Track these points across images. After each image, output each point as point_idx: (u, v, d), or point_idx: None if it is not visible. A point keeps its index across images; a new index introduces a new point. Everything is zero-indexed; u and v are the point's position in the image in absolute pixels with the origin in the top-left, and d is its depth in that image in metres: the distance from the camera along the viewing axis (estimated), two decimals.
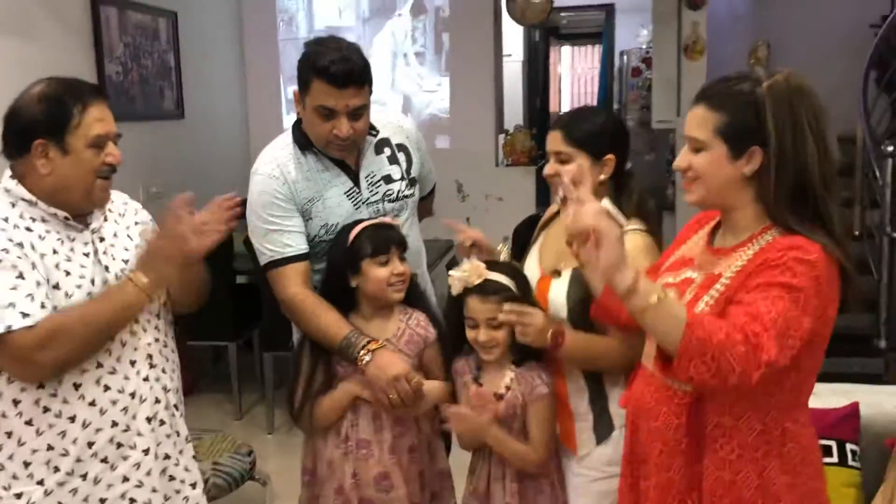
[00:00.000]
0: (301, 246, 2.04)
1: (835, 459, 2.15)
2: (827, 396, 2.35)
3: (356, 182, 2.10)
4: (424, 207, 2.41)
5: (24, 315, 1.53)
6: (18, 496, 1.60)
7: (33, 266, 1.58)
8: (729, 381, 1.34)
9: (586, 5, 8.02)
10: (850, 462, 2.16)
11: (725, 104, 1.44)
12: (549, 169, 1.89)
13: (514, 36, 6.99)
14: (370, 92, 2.01)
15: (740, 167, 1.44)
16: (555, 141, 1.86)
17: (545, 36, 8.77)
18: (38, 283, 1.56)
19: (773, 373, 1.36)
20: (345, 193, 2.08)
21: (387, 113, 2.35)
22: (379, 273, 1.93)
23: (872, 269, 4.03)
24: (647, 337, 1.61)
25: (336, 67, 1.91)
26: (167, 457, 1.77)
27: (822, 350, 1.50)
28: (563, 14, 8.50)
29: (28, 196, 1.63)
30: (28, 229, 1.62)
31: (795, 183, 1.41)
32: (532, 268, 1.96)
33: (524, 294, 1.86)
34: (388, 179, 2.14)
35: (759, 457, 1.48)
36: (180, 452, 1.80)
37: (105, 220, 1.75)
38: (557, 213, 1.94)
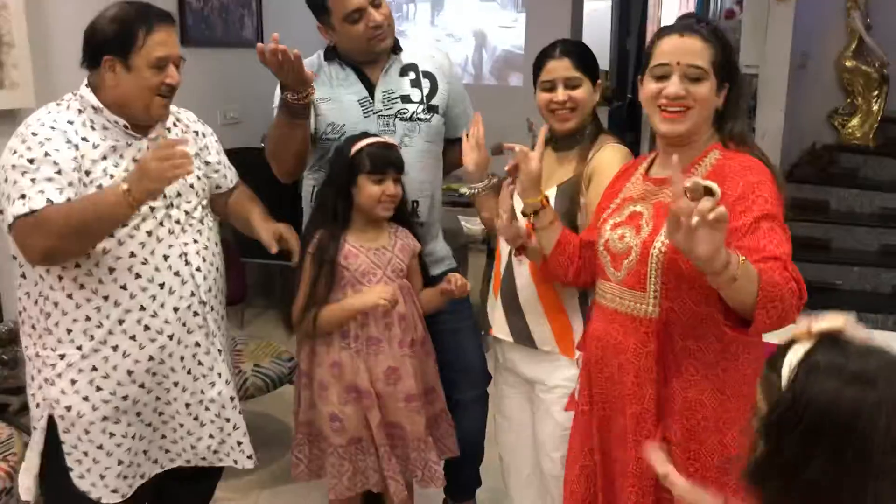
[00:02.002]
0: None
1: None
2: None
3: (371, 93, 2.23)
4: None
5: (29, 206, 1.72)
6: (62, 356, 1.86)
7: (59, 170, 1.76)
8: (788, 320, 1.39)
9: None
10: None
11: (714, 40, 1.56)
12: (561, 95, 1.97)
13: None
14: None
15: (717, 100, 1.57)
16: (565, 68, 1.97)
17: None
18: (50, 180, 1.75)
19: None
20: (357, 101, 2.23)
21: (426, 45, 2.45)
22: (372, 189, 2.07)
23: None
24: (600, 276, 1.70)
25: None
26: (197, 344, 1.97)
27: None
28: None
29: (96, 103, 1.85)
30: (84, 138, 1.82)
31: (738, 109, 1.60)
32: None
33: None
34: (405, 99, 2.24)
35: (719, 373, 1.56)
36: (211, 344, 2.00)
37: (168, 131, 1.94)
38: (549, 140, 2.00)
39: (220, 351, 2.03)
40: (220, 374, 2.03)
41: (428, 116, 2.27)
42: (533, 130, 5.16)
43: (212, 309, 2.00)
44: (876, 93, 5.06)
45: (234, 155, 2.29)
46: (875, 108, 5.10)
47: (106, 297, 1.84)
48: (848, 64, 5.05)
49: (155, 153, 1.70)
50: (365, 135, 2.14)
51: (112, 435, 1.89)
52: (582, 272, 1.82)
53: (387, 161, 2.09)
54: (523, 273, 2.01)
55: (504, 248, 2.06)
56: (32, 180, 1.74)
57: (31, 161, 1.75)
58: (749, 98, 6.04)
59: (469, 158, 2.10)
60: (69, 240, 1.75)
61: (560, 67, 1.97)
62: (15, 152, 1.77)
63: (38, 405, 1.91)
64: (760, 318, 1.37)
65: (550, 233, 1.81)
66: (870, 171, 5.01)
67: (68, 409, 1.87)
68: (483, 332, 2.26)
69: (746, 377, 1.56)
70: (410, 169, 2.20)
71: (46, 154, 1.76)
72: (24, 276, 1.88)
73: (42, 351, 1.88)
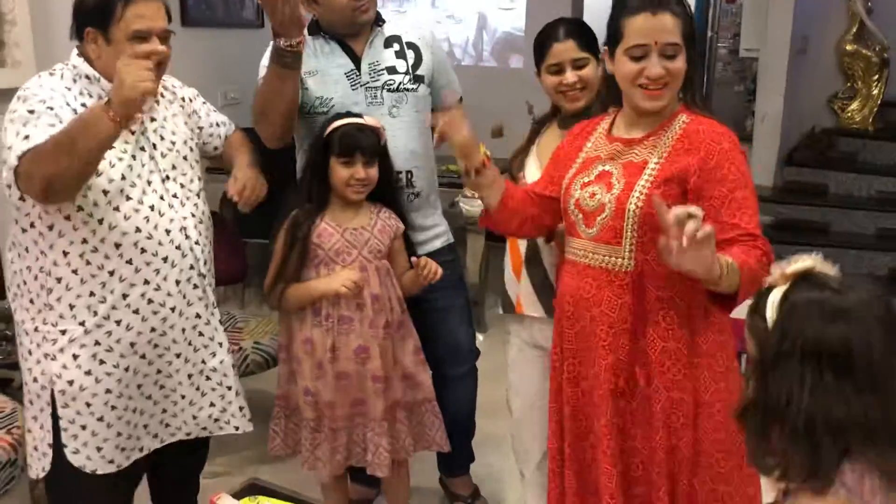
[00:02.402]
0: None
1: None
2: None
3: (357, 66, 2.24)
4: None
5: (32, 142, 1.71)
6: (63, 332, 1.87)
7: (61, 120, 1.76)
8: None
9: None
10: None
11: (681, 13, 1.61)
12: (571, 76, 2.00)
13: None
14: None
15: (685, 68, 1.64)
16: (571, 49, 1.99)
17: None
18: (52, 125, 1.74)
19: None
20: (344, 73, 2.24)
21: (405, 17, 2.45)
22: (341, 172, 2.09)
23: None
24: (570, 233, 1.76)
25: None
26: (198, 316, 2.00)
27: None
28: None
29: (92, 72, 1.84)
30: (83, 105, 1.82)
31: (695, 72, 1.67)
32: (532, 168, 2.08)
33: None
34: (391, 70, 2.25)
35: (692, 323, 1.66)
36: (211, 315, 2.04)
37: (157, 104, 1.94)
38: (555, 115, 2.06)
39: (220, 321, 2.07)
40: (220, 344, 2.06)
41: (415, 86, 2.28)
42: (533, 113, 5.14)
43: (210, 282, 2.04)
44: (876, 77, 5.07)
45: None
46: (875, 92, 5.11)
47: (112, 272, 1.85)
48: (848, 48, 5.06)
49: (123, 59, 1.69)
50: (348, 114, 2.14)
51: (114, 408, 1.91)
52: (525, 224, 1.89)
53: (355, 144, 2.07)
54: (553, 253, 2.03)
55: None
56: (35, 125, 1.74)
57: (31, 111, 1.76)
58: (749, 81, 6.06)
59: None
60: (61, 162, 1.69)
61: (566, 49, 1.99)
62: (15, 111, 1.77)
63: (35, 379, 1.91)
64: (742, 297, 1.50)
65: (494, 191, 1.83)
66: (868, 155, 5.03)
67: (70, 383, 1.87)
68: (476, 319, 2.26)
69: (719, 326, 1.68)
70: (400, 139, 2.23)
71: (49, 108, 1.77)
72: (27, 249, 1.88)
73: (42, 326, 1.88)
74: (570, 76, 1.99)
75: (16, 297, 1.94)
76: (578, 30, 2.03)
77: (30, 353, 1.92)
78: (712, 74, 6.82)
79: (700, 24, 7.75)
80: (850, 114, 5.17)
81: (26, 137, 1.73)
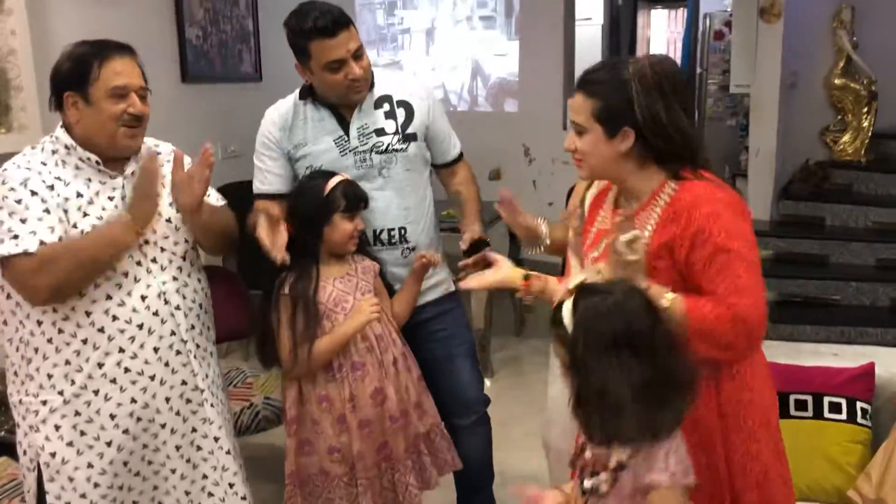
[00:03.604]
0: (271, 187, 2.29)
1: (843, 416, 2.19)
2: (850, 357, 2.39)
3: (346, 131, 2.27)
4: (453, 176, 2.47)
5: (23, 246, 1.74)
6: (44, 403, 1.86)
7: (47, 208, 1.78)
8: (737, 350, 1.55)
9: None
10: (860, 420, 2.20)
11: (599, 91, 1.60)
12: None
13: (594, 0, 6.96)
14: (357, 32, 2.20)
15: (616, 145, 1.60)
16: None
17: None
18: (40, 220, 1.77)
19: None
20: (333, 140, 2.27)
21: (400, 74, 2.49)
22: (346, 226, 2.13)
23: None
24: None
25: (321, 21, 2.11)
26: (184, 383, 1.96)
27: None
28: None
29: (69, 142, 1.86)
30: (58, 178, 1.83)
31: (675, 145, 1.60)
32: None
33: None
34: (380, 132, 2.28)
35: (714, 383, 1.61)
36: (201, 379, 1.98)
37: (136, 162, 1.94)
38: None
39: (208, 387, 2.01)
40: (212, 406, 2.01)
41: (404, 146, 2.30)
42: (530, 155, 5.17)
43: (197, 346, 1.99)
44: (865, 109, 5.13)
45: (235, 188, 2.34)
46: (865, 124, 5.17)
47: (84, 341, 1.83)
48: (837, 82, 5.13)
49: (144, 173, 1.78)
50: (325, 173, 2.19)
51: (97, 485, 1.86)
52: None
53: (360, 198, 2.17)
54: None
55: (575, 263, 2.13)
56: (22, 220, 1.75)
57: (18, 201, 1.76)
58: (742, 116, 6.14)
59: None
60: (78, 275, 1.77)
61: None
62: None
63: (24, 452, 1.90)
64: (698, 349, 1.48)
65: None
66: (862, 187, 5.07)
67: (53, 455, 1.85)
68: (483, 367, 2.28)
69: (743, 383, 1.63)
70: (393, 198, 2.26)
71: (33, 193, 1.78)
72: (5, 322, 1.88)
73: (25, 397, 1.87)
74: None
75: (6, 369, 1.93)
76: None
77: (18, 426, 1.91)
78: (703, 110, 6.92)
79: (687, 62, 7.91)
80: (842, 146, 5.23)
81: (15, 237, 1.74)
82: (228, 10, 4.37)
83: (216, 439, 2.01)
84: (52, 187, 1.81)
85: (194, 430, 1.99)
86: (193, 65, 4.04)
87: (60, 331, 1.83)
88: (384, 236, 2.29)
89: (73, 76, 1.82)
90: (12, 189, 1.76)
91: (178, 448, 1.96)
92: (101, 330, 1.84)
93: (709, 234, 1.53)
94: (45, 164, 1.84)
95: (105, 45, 1.86)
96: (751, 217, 1.62)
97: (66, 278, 1.75)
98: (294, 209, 2.21)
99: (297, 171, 2.30)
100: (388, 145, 2.28)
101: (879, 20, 5.09)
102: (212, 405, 2.01)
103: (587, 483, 1.44)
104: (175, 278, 1.95)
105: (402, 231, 2.31)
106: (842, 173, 5.15)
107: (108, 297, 1.85)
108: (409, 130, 2.32)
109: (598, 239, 1.75)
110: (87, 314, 1.84)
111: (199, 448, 2.00)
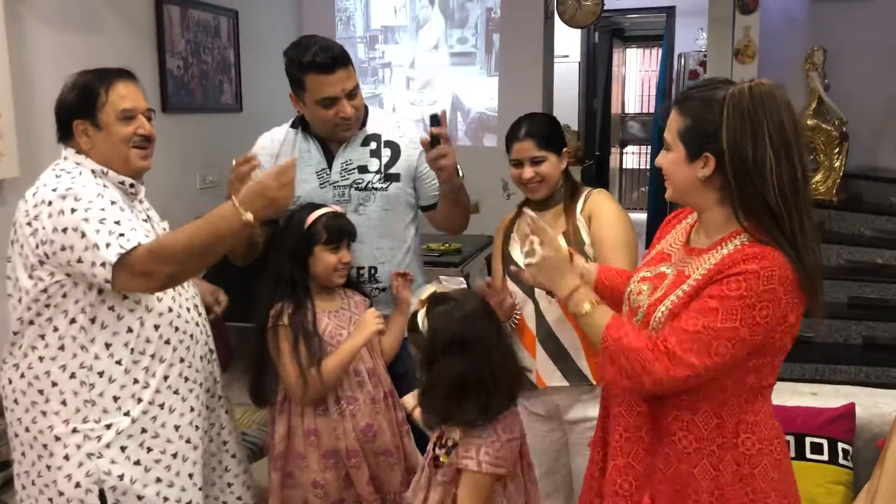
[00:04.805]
0: None
1: (825, 457, 2.20)
2: (829, 397, 2.40)
3: (330, 164, 2.29)
4: (439, 214, 2.42)
5: (134, 240, 1.75)
6: (108, 426, 1.83)
7: (129, 217, 1.81)
8: (644, 384, 1.48)
9: (649, 7, 8.00)
10: (842, 461, 2.21)
11: (690, 109, 1.51)
12: (528, 172, 2.21)
13: (571, 37, 7.05)
14: (354, 71, 2.23)
15: (695, 170, 1.50)
16: (528, 148, 2.21)
17: (609, 37, 8.79)
18: (130, 220, 1.80)
19: (704, 380, 1.45)
20: (315, 172, 2.29)
21: (393, 115, 2.51)
22: (329, 259, 2.14)
23: None
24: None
25: (321, 57, 2.14)
26: (208, 390, 2.05)
27: (783, 351, 1.54)
28: (627, 16, 8.52)
29: (96, 167, 1.87)
30: (112, 200, 1.83)
31: (756, 192, 1.43)
32: (516, 248, 2.17)
33: None
34: (362, 169, 2.30)
35: (714, 449, 1.52)
36: (219, 386, 2.11)
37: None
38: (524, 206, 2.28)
39: (223, 393, 2.15)
40: (226, 411, 2.16)
41: (384, 185, 2.31)
42: (507, 189, 5.22)
43: (212, 353, 2.09)
44: (837, 150, 5.23)
45: None
46: (836, 164, 5.26)
47: (153, 356, 1.87)
48: (809, 122, 5.23)
49: (277, 178, 1.80)
50: (312, 206, 2.19)
51: (166, 499, 1.88)
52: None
53: (343, 231, 2.17)
54: (553, 311, 2.15)
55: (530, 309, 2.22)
56: (117, 222, 1.76)
57: (102, 209, 1.76)
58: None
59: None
60: (192, 263, 1.79)
61: (524, 148, 2.21)
62: (74, 210, 1.75)
63: (77, 485, 1.81)
64: (601, 365, 1.54)
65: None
66: (835, 226, 5.16)
67: (120, 477, 1.82)
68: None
69: (746, 457, 1.52)
70: (366, 236, 2.27)
71: (112, 202, 1.80)
72: (61, 348, 1.82)
73: (82, 425, 1.82)
74: (526, 172, 2.21)
75: (34, 404, 1.84)
76: (538, 131, 2.21)
77: (66, 458, 1.82)
78: None
79: (662, 100, 8.04)
80: (814, 185, 5.31)
81: (121, 235, 1.74)
82: (210, 41, 4.36)
83: (224, 443, 2.12)
84: (114, 202, 1.82)
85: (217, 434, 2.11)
86: (174, 95, 4.02)
87: (132, 350, 1.85)
88: (353, 273, 2.30)
89: (80, 103, 1.86)
90: (91, 201, 1.77)
91: (230, 450, 2.12)
92: (168, 342, 1.90)
93: (725, 278, 1.43)
94: (97, 183, 1.85)
95: (107, 71, 1.91)
96: (779, 306, 1.45)
97: (182, 266, 1.77)
98: (279, 240, 2.21)
99: None
100: (368, 183, 2.29)
101: (850, 63, 5.23)
102: (226, 411, 2.13)
103: (437, 450, 1.78)
104: (195, 294, 2.06)
105: (373, 271, 2.32)
106: (814, 212, 5.22)
107: (170, 310, 1.90)
108: (392, 170, 2.32)
109: (658, 260, 1.67)
110: (156, 327, 1.88)
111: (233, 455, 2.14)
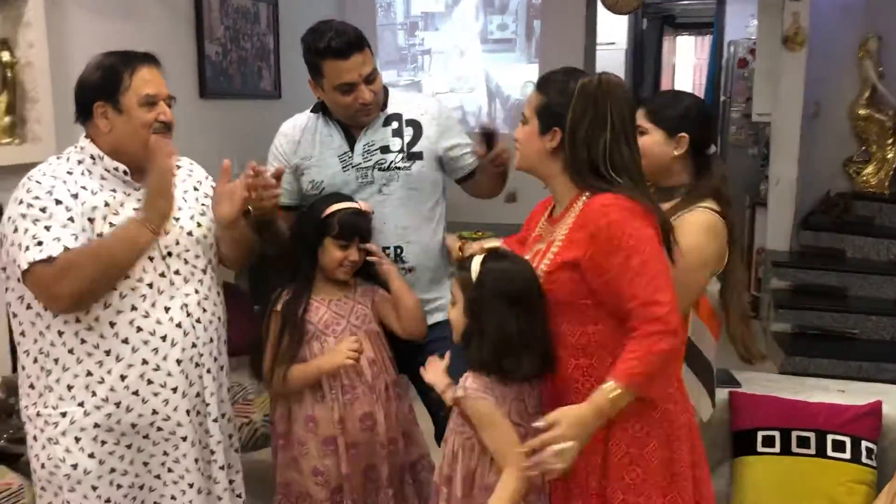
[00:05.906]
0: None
1: (847, 455, 2.14)
2: (858, 394, 2.33)
3: (352, 147, 2.28)
4: (479, 186, 2.43)
5: (46, 252, 1.74)
6: (63, 414, 1.85)
7: (71, 217, 1.80)
8: (676, 350, 1.66)
9: None
10: (865, 459, 2.14)
11: (547, 89, 1.74)
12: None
13: (618, 24, 6.95)
14: (372, 55, 2.21)
15: (545, 142, 1.73)
16: (637, 116, 2.06)
17: (659, 24, 8.63)
18: (64, 227, 1.78)
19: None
20: (338, 155, 2.28)
21: (416, 95, 2.49)
22: (336, 254, 2.13)
23: None
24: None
25: (336, 42, 2.12)
26: (198, 395, 1.96)
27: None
28: (678, 2, 8.35)
29: (96, 152, 1.87)
30: (83, 187, 1.84)
31: (590, 162, 1.68)
32: None
33: None
34: (384, 150, 2.29)
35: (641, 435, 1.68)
36: (212, 393, 1.99)
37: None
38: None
39: (215, 402, 2.01)
40: (223, 415, 2.05)
41: (408, 164, 2.29)
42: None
43: (214, 360, 2.01)
44: (890, 141, 5.06)
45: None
46: (890, 156, 5.10)
47: (108, 352, 1.84)
48: (861, 112, 5.07)
49: (157, 170, 1.81)
50: (339, 196, 2.19)
51: (119, 486, 1.89)
52: None
53: (355, 229, 2.15)
54: None
55: None
56: (47, 227, 1.75)
57: (42, 210, 1.77)
58: (763, 146, 6.07)
59: None
60: (100, 280, 1.78)
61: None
62: (21, 202, 1.78)
63: (42, 465, 1.88)
64: (654, 392, 1.64)
65: None
66: (885, 220, 5.00)
67: (74, 466, 1.84)
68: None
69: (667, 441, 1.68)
70: (391, 216, 2.26)
71: (57, 202, 1.79)
72: (23, 334, 1.87)
73: (43, 409, 1.85)
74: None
75: (21, 382, 1.92)
76: (650, 100, 2.13)
77: (35, 438, 1.90)
78: (726, 138, 6.86)
79: (712, 88, 7.86)
80: (865, 178, 5.15)
81: (39, 244, 1.75)
82: (249, 27, 4.41)
83: (212, 452, 2.02)
84: (76, 196, 1.82)
85: (205, 443, 2.00)
86: (212, 81, 4.07)
87: (83, 341, 1.83)
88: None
89: (103, 85, 1.85)
90: (37, 197, 1.77)
91: (196, 461, 1.96)
92: (126, 341, 1.85)
93: (620, 240, 1.61)
94: (70, 173, 1.85)
95: (132, 55, 1.89)
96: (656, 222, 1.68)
97: (88, 283, 1.76)
98: (296, 226, 2.23)
99: (302, 185, 2.31)
100: (391, 163, 2.28)
101: None
102: (214, 420, 2.01)
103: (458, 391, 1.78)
104: (196, 291, 1.96)
105: (399, 250, 2.30)
106: (864, 205, 5.07)
107: (133, 308, 1.85)
108: (415, 149, 2.31)
109: (533, 244, 1.86)
110: (112, 325, 1.84)
111: (208, 462, 2.00)
